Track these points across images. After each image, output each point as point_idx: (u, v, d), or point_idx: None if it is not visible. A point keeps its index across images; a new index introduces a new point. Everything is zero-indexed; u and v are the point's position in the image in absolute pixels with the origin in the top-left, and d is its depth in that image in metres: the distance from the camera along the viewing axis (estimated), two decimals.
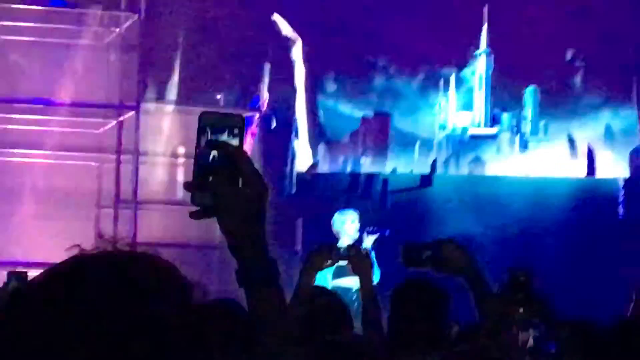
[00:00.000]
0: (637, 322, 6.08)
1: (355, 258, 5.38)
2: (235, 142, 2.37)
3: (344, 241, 10.59)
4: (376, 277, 9.70)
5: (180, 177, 18.43)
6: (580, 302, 14.64)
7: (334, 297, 5.92)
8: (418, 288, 5.58)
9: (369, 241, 11.07)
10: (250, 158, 2.47)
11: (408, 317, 5.45)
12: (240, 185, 2.38)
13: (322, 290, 6.11)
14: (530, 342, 4.95)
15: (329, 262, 5.34)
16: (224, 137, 2.37)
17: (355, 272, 5.48)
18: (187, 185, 2.44)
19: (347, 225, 11.00)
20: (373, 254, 10.56)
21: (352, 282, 9.58)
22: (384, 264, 10.29)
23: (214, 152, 2.35)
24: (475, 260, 4.74)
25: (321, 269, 5.39)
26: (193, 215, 2.42)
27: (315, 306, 5.37)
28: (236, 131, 2.37)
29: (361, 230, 11.48)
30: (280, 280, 2.50)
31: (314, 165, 23.22)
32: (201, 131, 2.38)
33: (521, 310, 5.05)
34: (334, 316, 5.43)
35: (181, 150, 18.43)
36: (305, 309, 5.05)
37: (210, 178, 2.35)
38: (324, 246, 5.57)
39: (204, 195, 2.37)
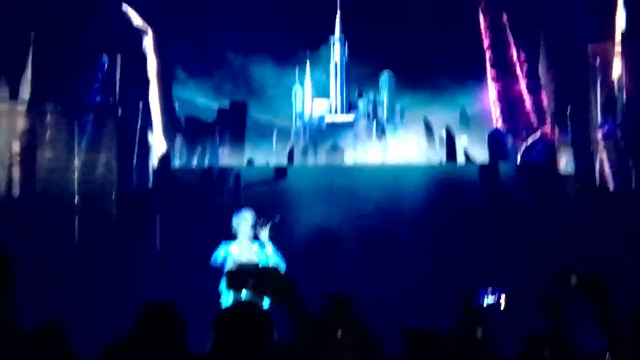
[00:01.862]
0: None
1: None
2: None
3: (241, 240, 10.76)
4: (282, 267, 10.08)
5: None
6: (439, 288, 14.52)
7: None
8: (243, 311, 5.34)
9: (264, 234, 10.92)
10: None
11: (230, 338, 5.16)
12: None
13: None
14: None
15: None
16: None
17: None
18: None
19: (242, 226, 10.98)
20: (271, 244, 10.84)
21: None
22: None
23: None
24: (296, 289, 4.67)
25: None
26: None
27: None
28: None
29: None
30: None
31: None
32: None
33: (339, 332, 4.90)
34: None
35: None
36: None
37: None
38: None
39: None
